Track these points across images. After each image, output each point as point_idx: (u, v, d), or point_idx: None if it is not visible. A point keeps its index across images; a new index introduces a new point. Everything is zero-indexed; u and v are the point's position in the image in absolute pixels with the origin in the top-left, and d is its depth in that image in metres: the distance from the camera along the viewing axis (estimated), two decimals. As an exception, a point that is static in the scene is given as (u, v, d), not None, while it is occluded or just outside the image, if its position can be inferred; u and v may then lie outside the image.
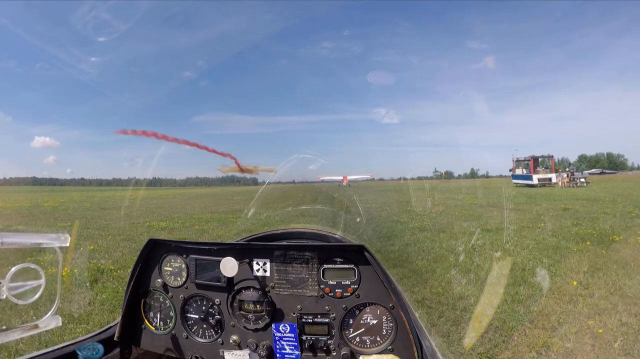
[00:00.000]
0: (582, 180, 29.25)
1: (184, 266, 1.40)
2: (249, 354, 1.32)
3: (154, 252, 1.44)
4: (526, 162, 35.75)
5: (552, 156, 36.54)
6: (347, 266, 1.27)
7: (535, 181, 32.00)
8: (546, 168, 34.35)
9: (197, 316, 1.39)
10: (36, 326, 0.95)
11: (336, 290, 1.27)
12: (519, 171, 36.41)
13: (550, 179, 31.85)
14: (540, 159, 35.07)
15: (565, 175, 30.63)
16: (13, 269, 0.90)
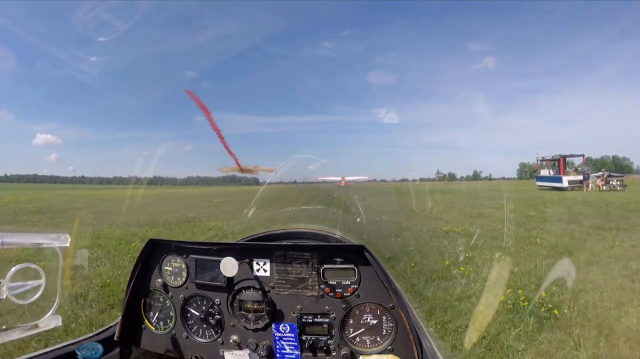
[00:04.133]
0: (618, 183, 25.30)
1: (184, 266, 1.40)
2: (249, 354, 1.32)
3: (154, 252, 1.44)
4: (553, 161, 30.85)
5: (583, 155, 31.49)
6: (347, 266, 1.27)
7: (565, 184, 27.33)
8: (575, 169, 29.99)
9: (197, 316, 1.39)
10: (36, 326, 0.95)
11: (336, 290, 1.27)
12: (544, 172, 31.56)
13: (581, 182, 27.51)
14: (568, 159, 30.70)
15: (600, 177, 26.62)
16: (13, 269, 0.90)
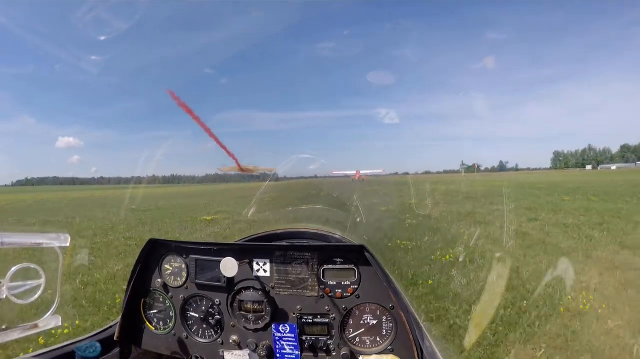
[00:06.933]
0: None
1: (184, 266, 1.40)
2: (249, 355, 1.32)
3: (154, 252, 1.44)
4: None
5: None
6: (347, 266, 1.27)
7: None
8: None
9: (197, 316, 1.39)
10: (36, 326, 0.95)
11: (336, 290, 1.27)
12: None
13: None
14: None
15: None
16: (13, 269, 0.90)
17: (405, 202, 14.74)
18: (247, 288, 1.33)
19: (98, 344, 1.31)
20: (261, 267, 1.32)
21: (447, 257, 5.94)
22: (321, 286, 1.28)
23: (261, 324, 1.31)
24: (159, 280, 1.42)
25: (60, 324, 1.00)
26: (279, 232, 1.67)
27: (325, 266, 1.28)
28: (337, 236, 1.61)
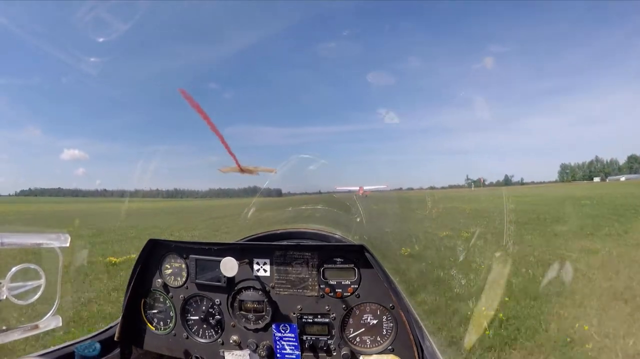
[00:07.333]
0: None
1: (184, 266, 1.40)
2: (249, 355, 1.32)
3: (155, 252, 1.44)
4: None
5: None
6: (347, 266, 1.27)
7: None
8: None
9: (197, 316, 1.39)
10: (36, 327, 0.95)
11: (336, 290, 1.27)
12: None
13: None
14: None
15: None
16: (13, 269, 0.90)
17: (430, 233, 9.36)
18: (247, 288, 1.33)
19: (98, 345, 1.31)
20: (261, 267, 1.32)
21: None
22: (321, 286, 1.28)
23: (261, 324, 1.31)
24: (159, 280, 1.42)
25: (60, 324, 1.00)
26: (279, 232, 1.67)
27: (325, 266, 1.28)
28: (337, 236, 1.62)
